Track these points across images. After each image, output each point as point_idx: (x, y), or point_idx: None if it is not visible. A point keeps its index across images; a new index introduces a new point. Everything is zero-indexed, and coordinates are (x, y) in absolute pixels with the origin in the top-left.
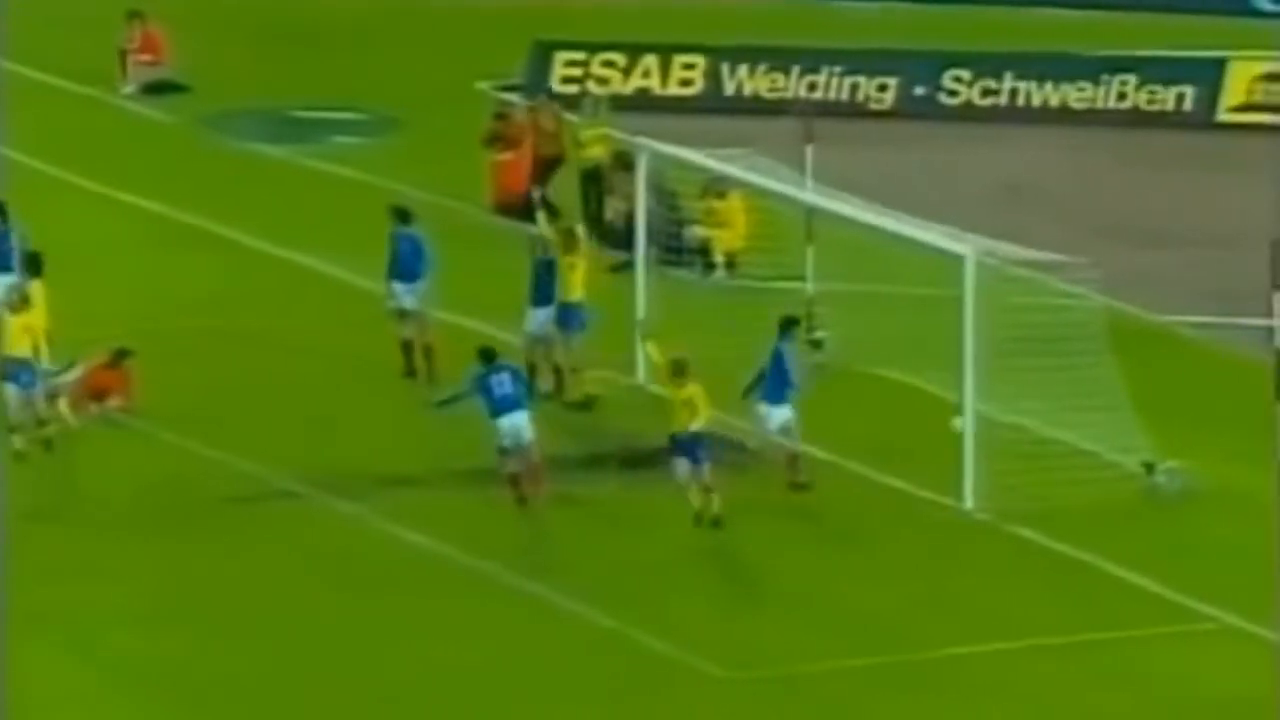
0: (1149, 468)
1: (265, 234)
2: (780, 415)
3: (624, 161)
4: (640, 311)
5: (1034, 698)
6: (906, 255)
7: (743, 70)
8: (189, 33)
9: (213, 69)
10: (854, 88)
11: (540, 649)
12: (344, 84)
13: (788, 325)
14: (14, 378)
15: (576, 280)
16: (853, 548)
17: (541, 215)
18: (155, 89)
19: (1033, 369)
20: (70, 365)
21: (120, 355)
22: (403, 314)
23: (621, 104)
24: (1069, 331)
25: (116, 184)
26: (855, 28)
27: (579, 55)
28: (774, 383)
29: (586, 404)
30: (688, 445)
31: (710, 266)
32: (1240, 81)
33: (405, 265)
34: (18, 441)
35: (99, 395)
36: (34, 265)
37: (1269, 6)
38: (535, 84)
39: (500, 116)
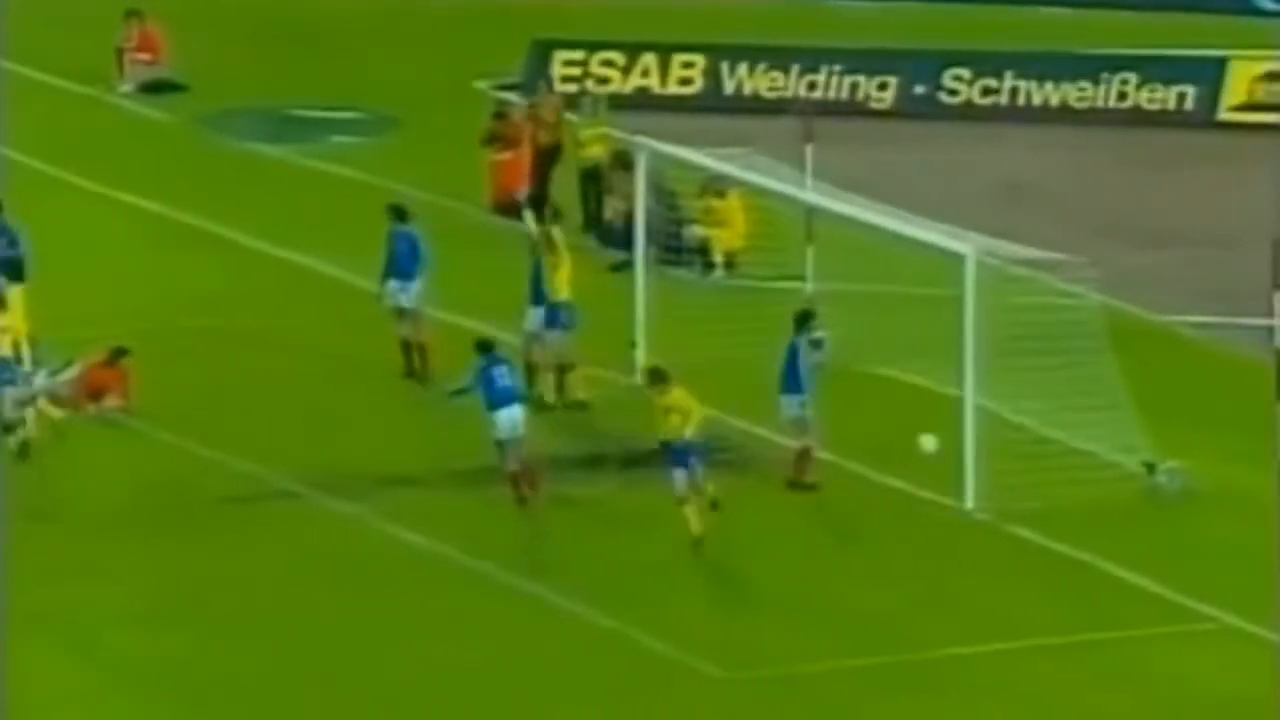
0: (1150, 468)
1: (263, 233)
2: (791, 407)
3: (623, 161)
4: (639, 311)
5: (1034, 698)
6: (907, 255)
7: (742, 69)
8: (187, 32)
9: (211, 68)
10: (854, 87)
11: (539, 649)
12: (343, 83)
13: (801, 320)
14: None
15: (561, 280)
16: (853, 548)
17: (528, 215)
18: (153, 88)
19: (1033, 368)
20: (68, 364)
21: (117, 354)
22: (401, 313)
23: (621, 103)
24: (1069, 331)
25: (114, 183)
26: (855, 27)
27: (578, 54)
28: (788, 376)
29: (582, 404)
30: (679, 454)
31: (710, 266)
32: (1241, 81)
33: (402, 263)
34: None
35: (96, 394)
36: (14, 270)
37: (1270, 5)
38: (534, 80)
39: (499, 116)
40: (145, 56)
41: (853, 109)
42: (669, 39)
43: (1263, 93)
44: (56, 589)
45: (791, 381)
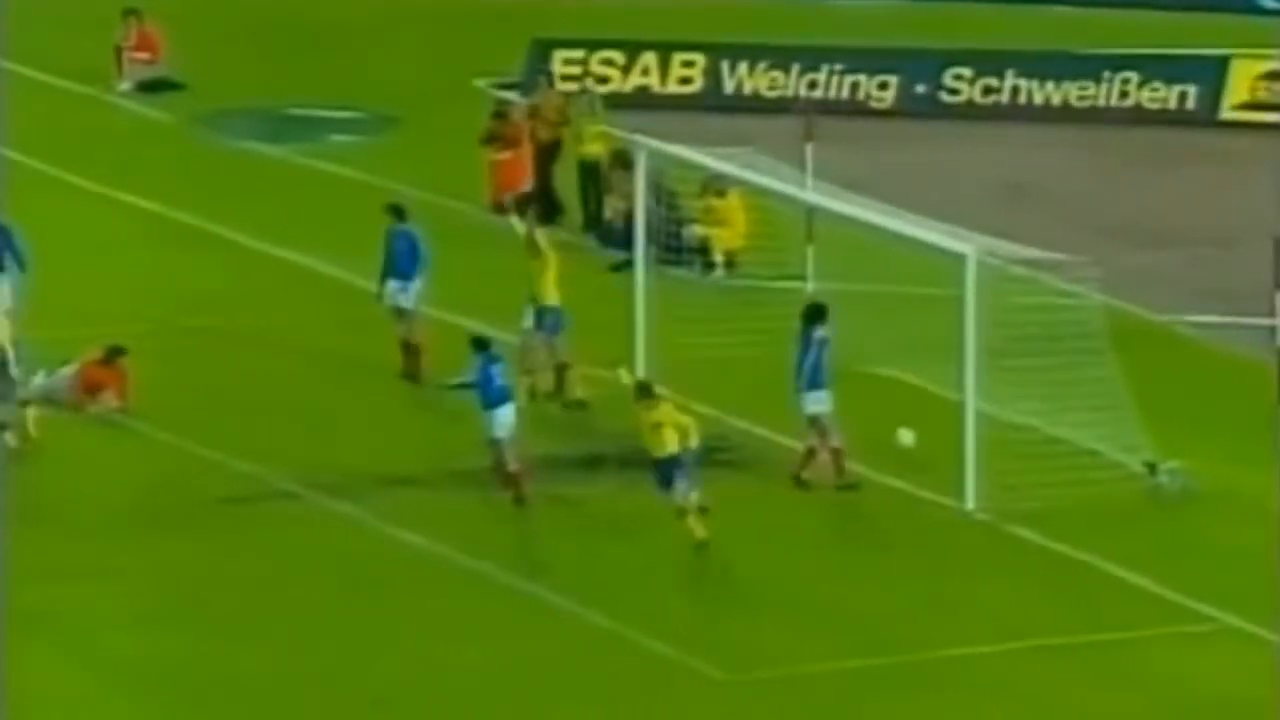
0: (1151, 468)
1: (263, 233)
2: (817, 403)
3: (623, 160)
4: (639, 311)
5: (1035, 698)
6: (907, 254)
7: (742, 68)
8: (185, 30)
9: (209, 67)
10: (854, 86)
11: (539, 650)
12: (342, 82)
13: (815, 314)
14: None
15: (547, 283)
16: (853, 548)
17: (514, 217)
18: (151, 87)
19: (1034, 368)
20: (64, 364)
21: (114, 353)
22: (400, 313)
23: (620, 102)
24: (1070, 331)
25: (113, 183)
26: (856, 25)
27: (578, 53)
28: (812, 371)
29: (581, 403)
30: (666, 469)
31: (710, 265)
32: (1243, 80)
33: (401, 263)
34: (10, 439)
35: (93, 390)
36: None
37: (1272, 4)
38: (534, 79)
39: (498, 115)
40: (143, 55)
41: (853, 108)
42: (669, 38)
43: (1264, 92)
44: (56, 589)
45: (814, 377)
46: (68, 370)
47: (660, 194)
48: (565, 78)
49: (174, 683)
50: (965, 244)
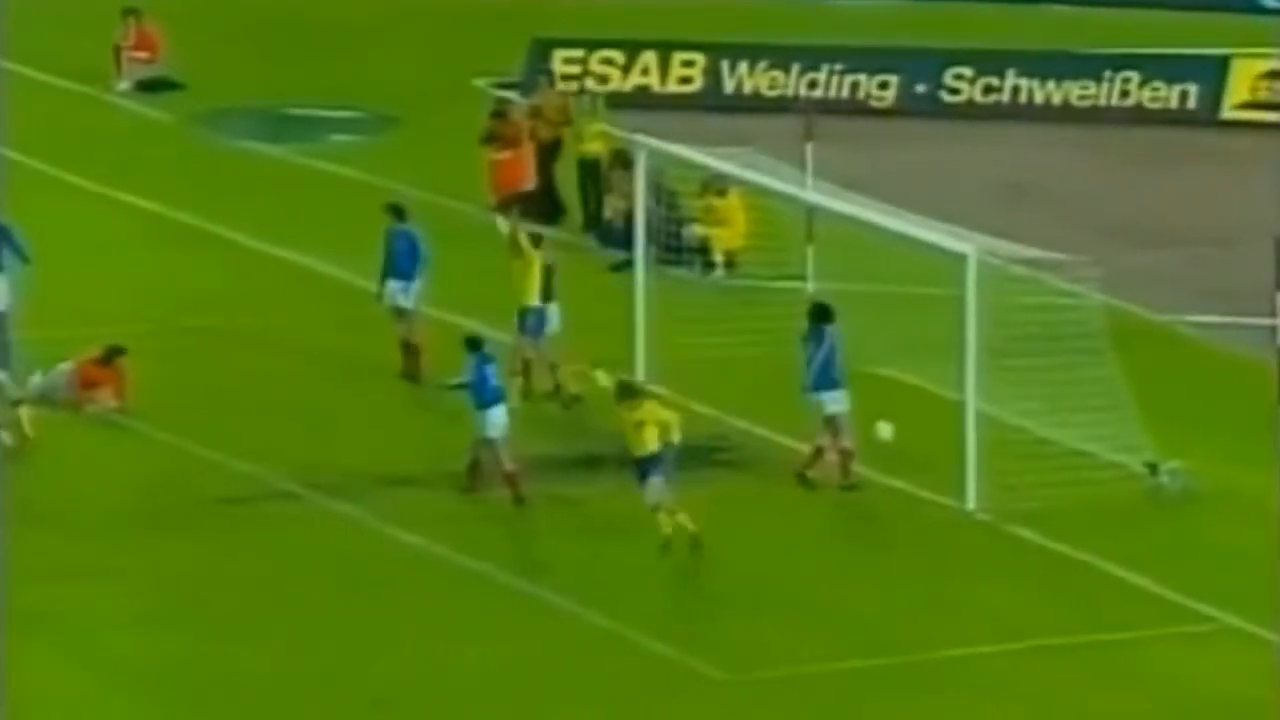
0: (1152, 468)
1: (261, 233)
2: (834, 403)
3: (623, 159)
4: (639, 311)
5: (1035, 698)
6: (908, 254)
7: (742, 68)
8: (185, 30)
9: (209, 66)
10: (855, 85)
11: (539, 650)
12: (341, 82)
13: (822, 313)
14: None
15: (529, 283)
16: (853, 548)
17: (498, 217)
18: (150, 86)
19: (1034, 368)
20: (62, 362)
21: (113, 353)
22: (400, 312)
23: (620, 101)
24: (1071, 331)
25: (112, 182)
26: (856, 25)
27: (577, 53)
28: (826, 370)
29: (576, 398)
30: (646, 467)
31: (710, 265)
32: (1244, 79)
33: (401, 263)
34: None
35: (89, 388)
36: None
37: (1273, 4)
38: (534, 78)
39: (498, 115)
40: (143, 55)
41: (854, 108)
42: (669, 37)
43: (1265, 91)
44: (56, 589)
45: (831, 375)
46: (64, 367)
47: (660, 194)
48: (565, 77)
49: (174, 683)
50: (966, 244)
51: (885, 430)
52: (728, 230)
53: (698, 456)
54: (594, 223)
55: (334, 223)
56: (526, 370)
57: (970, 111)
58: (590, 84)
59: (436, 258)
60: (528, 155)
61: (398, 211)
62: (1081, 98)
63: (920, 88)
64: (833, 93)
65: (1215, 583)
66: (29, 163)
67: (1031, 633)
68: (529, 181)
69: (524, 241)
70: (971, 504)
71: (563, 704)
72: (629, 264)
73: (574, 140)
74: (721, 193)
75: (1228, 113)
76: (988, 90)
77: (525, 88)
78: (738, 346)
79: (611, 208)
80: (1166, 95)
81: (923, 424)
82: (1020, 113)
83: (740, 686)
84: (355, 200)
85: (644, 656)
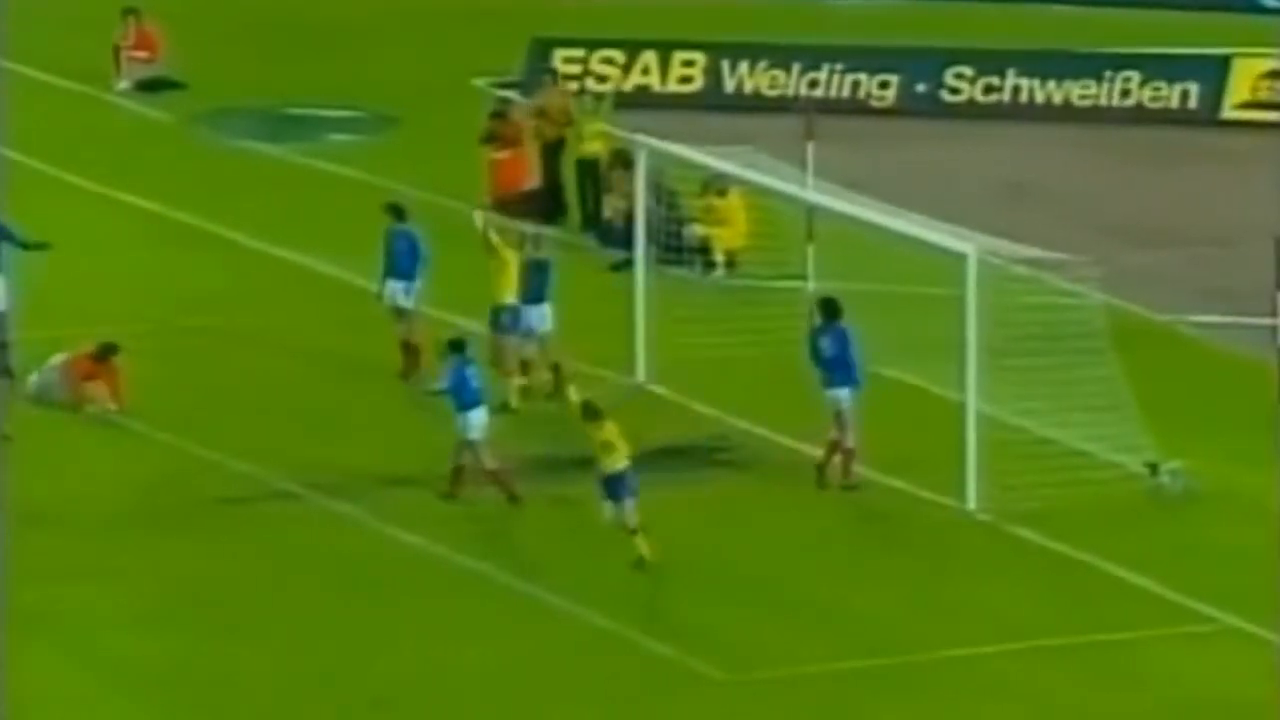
0: (1152, 468)
1: (261, 233)
2: (846, 400)
3: (623, 159)
4: (639, 311)
5: (1035, 698)
6: (908, 254)
7: (743, 67)
8: (184, 29)
9: (209, 66)
10: (855, 85)
11: (539, 650)
12: (341, 82)
13: (831, 308)
14: None
15: (504, 282)
16: (854, 548)
17: (478, 215)
18: (150, 86)
19: (1035, 368)
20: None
21: (107, 350)
22: (400, 312)
23: (621, 101)
24: (1071, 330)
25: (112, 182)
26: (856, 24)
27: (577, 52)
28: (841, 366)
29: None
30: (612, 485)
31: (710, 265)
32: (1245, 79)
33: (401, 263)
34: None
35: (86, 379)
36: None
37: (1274, 3)
38: (535, 78)
39: (498, 114)
40: (142, 54)
41: (854, 107)
42: (669, 37)
43: (1266, 91)
44: (56, 589)
45: (842, 373)
46: (57, 361)
47: (660, 193)
48: (565, 77)
49: (174, 683)
50: (966, 243)
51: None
52: (728, 230)
53: (698, 456)
54: (592, 222)
55: (334, 222)
56: (525, 370)
57: (971, 111)
58: (590, 84)
59: (436, 258)
60: (527, 155)
61: (398, 211)
62: (1082, 97)
63: (921, 87)
64: (833, 92)
65: (1215, 583)
66: (29, 163)
67: (1031, 633)
68: (529, 181)
69: (495, 240)
70: (972, 504)
71: (563, 704)
72: (629, 264)
73: (574, 140)
74: (722, 192)
75: (1228, 112)
76: (988, 90)
77: (526, 87)
78: (738, 346)
79: (611, 207)
80: (1167, 95)
81: (923, 424)
82: (1021, 112)
83: (740, 686)
84: (355, 200)
85: (644, 656)
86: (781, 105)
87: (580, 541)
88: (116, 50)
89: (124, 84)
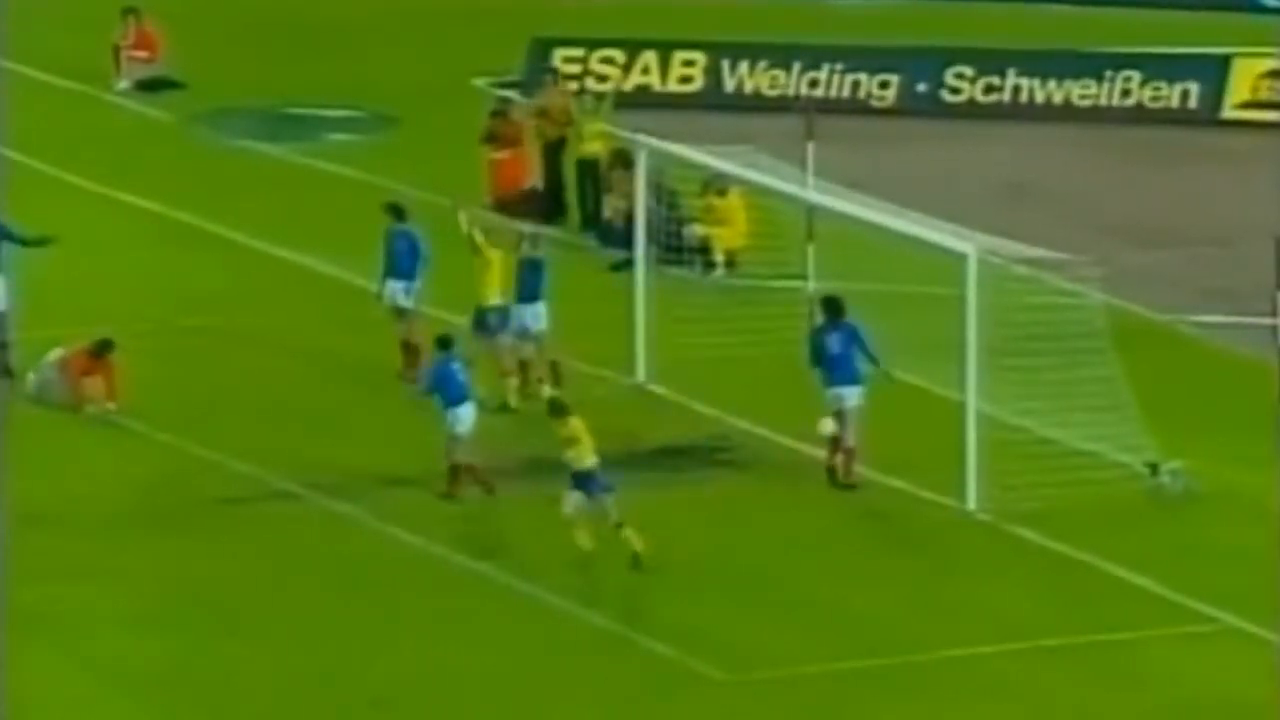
0: (1153, 468)
1: (261, 232)
2: (851, 398)
3: (623, 159)
4: (639, 311)
5: (1035, 698)
6: (908, 253)
7: (743, 67)
8: (184, 29)
9: (208, 65)
10: (855, 84)
11: (539, 650)
12: (341, 81)
13: (834, 305)
14: None
15: (487, 283)
16: (854, 548)
17: (462, 215)
18: (150, 86)
19: (1035, 368)
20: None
21: (102, 347)
22: (400, 312)
23: (621, 101)
24: (1072, 330)
25: (111, 182)
26: (857, 24)
27: (577, 52)
28: (845, 364)
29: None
30: (582, 480)
31: (710, 265)
32: (1245, 78)
33: (401, 262)
34: None
35: (84, 375)
36: None
37: (1274, 3)
38: (535, 77)
39: (498, 114)
40: (142, 54)
41: (854, 107)
42: (669, 36)
43: (1266, 90)
44: (55, 589)
45: (847, 371)
46: (53, 357)
47: (661, 193)
48: (565, 77)
49: (174, 683)
50: (966, 243)
51: (828, 427)
52: (728, 230)
53: (698, 456)
54: (592, 222)
55: (333, 222)
56: (524, 370)
57: (971, 111)
58: (590, 84)
59: (436, 258)
60: (527, 155)
61: (397, 211)
62: (1082, 97)
63: (921, 87)
64: (833, 92)
65: (1216, 583)
66: (29, 163)
67: (1031, 633)
68: (529, 181)
69: (480, 240)
70: (972, 504)
71: (563, 704)
72: (629, 264)
73: (574, 140)
74: (722, 192)
75: (1229, 112)
76: (989, 90)
77: (526, 87)
78: (738, 346)
79: (611, 207)
80: (1167, 94)
81: (923, 424)
82: (1021, 112)
83: (740, 686)
84: (355, 200)
85: (644, 656)
86: (781, 105)
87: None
88: (116, 50)
89: (124, 84)
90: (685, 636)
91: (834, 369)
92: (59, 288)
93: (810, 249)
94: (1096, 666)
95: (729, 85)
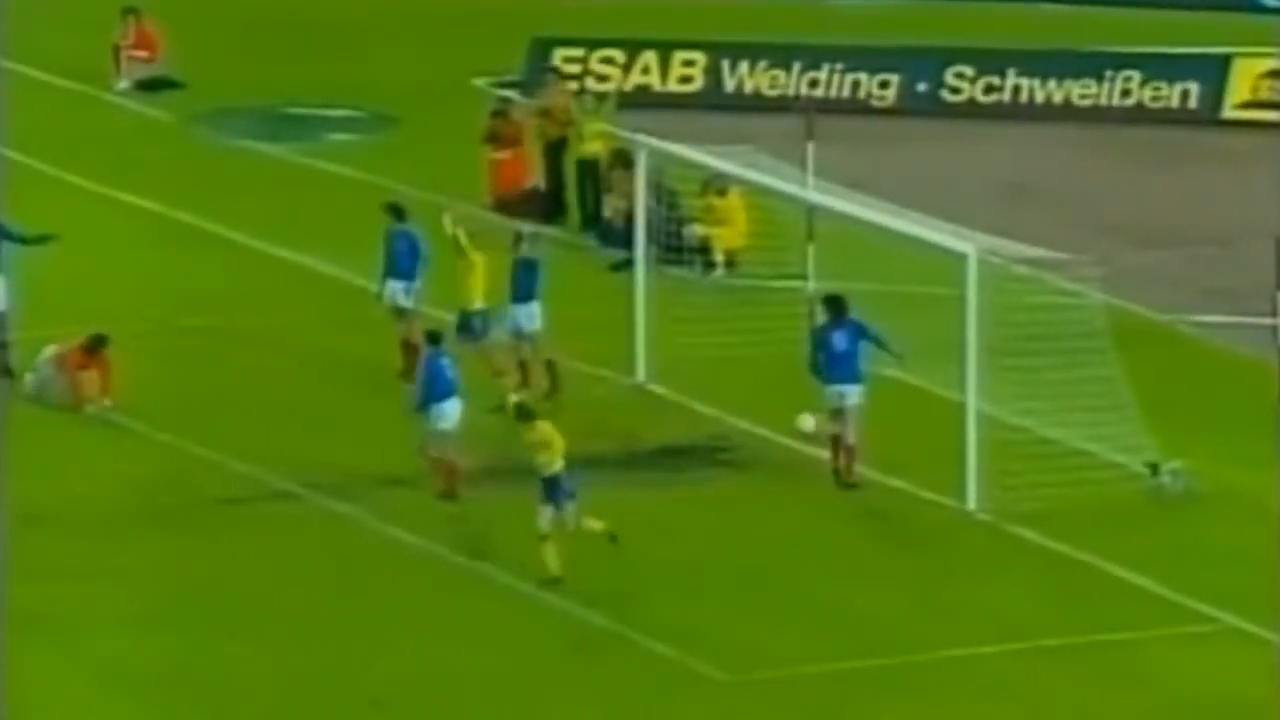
0: (1153, 468)
1: (261, 232)
2: (851, 396)
3: (623, 159)
4: (639, 311)
5: (1035, 698)
6: (909, 253)
7: (743, 67)
8: (184, 29)
9: (208, 65)
10: (855, 84)
11: (539, 650)
12: (341, 81)
13: (836, 304)
14: None
15: (471, 285)
16: (854, 549)
17: (447, 216)
18: (150, 85)
19: (1036, 368)
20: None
21: (97, 343)
22: (400, 312)
23: (621, 101)
24: (1072, 330)
25: (111, 182)
26: (857, 24)
27: (577, 52)
28: (847, 362)
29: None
30: (550, 488)
31: (710, 265)
32: (1245, 78)
33: (401, 262)
34: None
35: (80, 369)
36: None
37: (1274, 3)
38: (535, 77)
39: (498, 114)
40: (142, 54)
41: (854, 107)
42: (669, 36)
43: (1267, 90)
44: (55, 589)
45: (848, 369)
46: (49, 354)
47: (661, 193)
48: (565, 76)
49: (174, 683)
50: (966, 243)
51: (807, 423)
52: (728, 230)
53: (698, 456)
54: (592, 222)
55: (333, 222)
56: (523, 370)
57: (971, 111)
58: (590, 84)
59: (436, 258)
60: (527, 154)
61: (397, 211)
62: (1082, 97)
63: (921, 87)
64: (833, 92)
65: (1216, 583)
66: (29, 163)
67: (1031, 633)
68: (529, 181)
69: (464, 241)
70: (972, 504)
71: (563, 704)
72: (629, 263)
73: (574, 140)
74: (722, 192)
75: (1229, 112)
76: (989, 89)
77: (526, 87)
78: (738, 346)
79: (611, 207)
80: (1168, 94)
81: (923, 424)
82: (1021, 112)
83: (740, 686)
84: (355, 200)
85: (644, 656)
86: (781, 105)
87: (579, 542)
88: (116, 50)
89: (124, 84)
90: (685, 636)
91: (837, 366)
92: (59, 287)
93: (810, 249)
94: (1096, 666)
95: (729, 85)
